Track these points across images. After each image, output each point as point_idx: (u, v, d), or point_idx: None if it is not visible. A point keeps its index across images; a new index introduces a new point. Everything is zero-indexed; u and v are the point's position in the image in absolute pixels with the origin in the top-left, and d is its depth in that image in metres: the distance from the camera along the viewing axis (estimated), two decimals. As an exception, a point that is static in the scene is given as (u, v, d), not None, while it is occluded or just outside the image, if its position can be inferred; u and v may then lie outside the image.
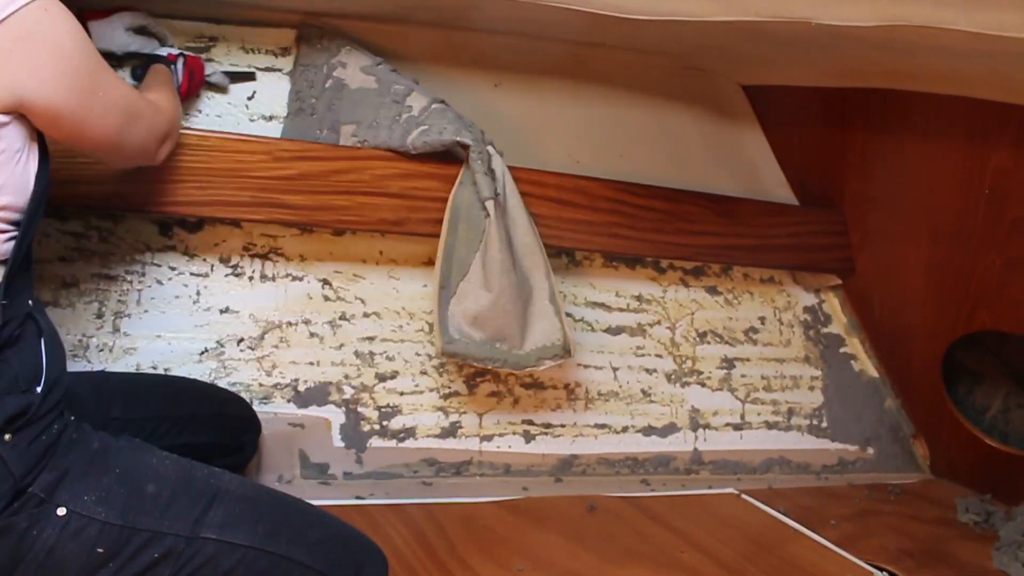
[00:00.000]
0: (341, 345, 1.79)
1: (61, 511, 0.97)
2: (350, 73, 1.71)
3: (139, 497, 1.01)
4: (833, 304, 2.26)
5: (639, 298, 2.05)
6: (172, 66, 1.56)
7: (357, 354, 1.80)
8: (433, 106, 1.67)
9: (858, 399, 2.25)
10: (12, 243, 0.98)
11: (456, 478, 1.87)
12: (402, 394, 1.83)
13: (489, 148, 1.66)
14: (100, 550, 0.98)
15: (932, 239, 1.97)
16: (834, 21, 1.28)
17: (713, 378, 2.12)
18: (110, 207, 1.56)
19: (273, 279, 1.74)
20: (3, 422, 0.94)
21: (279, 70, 1.76)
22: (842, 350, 2.26)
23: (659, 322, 2.07)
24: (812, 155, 2.15)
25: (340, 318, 1.79)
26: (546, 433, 1.95)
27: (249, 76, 1.73)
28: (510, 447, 1.92)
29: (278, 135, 1.73)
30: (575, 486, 1.90)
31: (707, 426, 2.10)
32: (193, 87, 1.63)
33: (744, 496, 1.94)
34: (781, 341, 2.20)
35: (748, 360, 2.16)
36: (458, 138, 1.62)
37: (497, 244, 1.64)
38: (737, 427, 2.14)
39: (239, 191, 1.58)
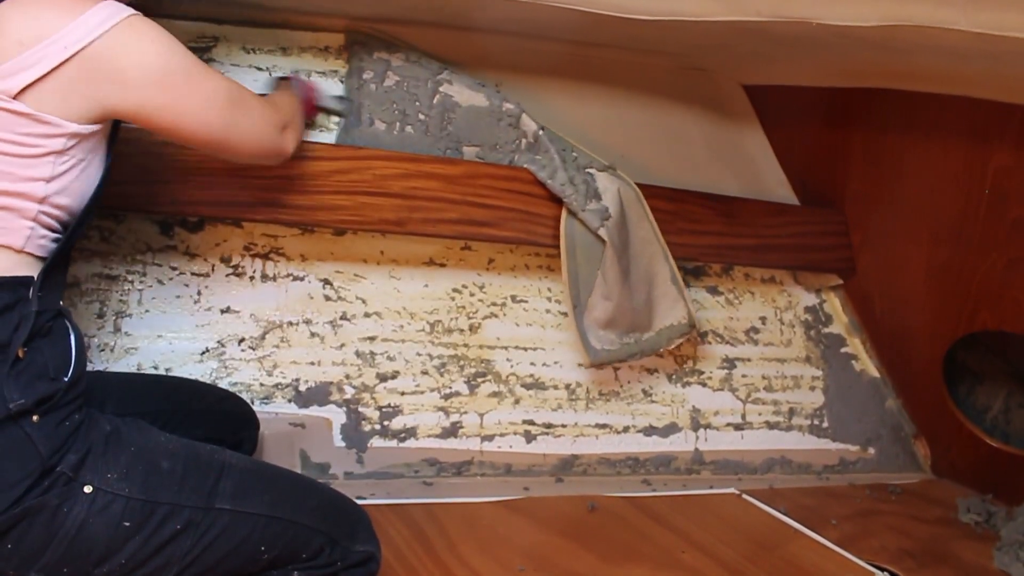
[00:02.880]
0: (342, 345, 1.79)
1: (88, 489, 1.02)
2: (457, 89, 1.79)
3: (156, 473, 1.07)
4: (834, 304, 2.26)
5: (640, 298, 2.05)
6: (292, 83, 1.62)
7: (358, 354, 1.80)
8: (540, 133, 1.81)
9: (859, 399, 2.25)
10: (56, 244, 1.07)
11: (457, 478, 1.87)
12: (403, 394, 1.83)
13: (590, 174, 1.81)
14: (127, 524, 1.03)
15: (933, 239, 1.97)
16: (835, 21, 1.28)
17: (714, 378, 2.12)
18: (111, 207, 1.57)
19: (274, 279, 1.74)
20: (32, 404, 1.00)
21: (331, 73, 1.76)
22: (843, 350, 2.26)
23: (660, 322, 2.07)
24: (813, 155, 2.15)
25: (341, 318, 1.79)
26: (547, 433, 1.95)
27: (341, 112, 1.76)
28: (511, 447, 1.92)
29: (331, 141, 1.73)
30: (576, 486, 1.90)
31: (708, 426, 2.10)
32: (309, 109, 1.66)
33: (745, 496, 1.94)
34: (782, 341, 2.20)
35: (749, 360, 2.16)
36: (556, 191, 1.78)
37: (612, 260, 1.82)
38: (738, 427, 2.14)
39: (240, 191, 1.58)
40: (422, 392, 1.85)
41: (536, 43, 1.81)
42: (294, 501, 1.16)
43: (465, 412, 1.89)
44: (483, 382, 1.90)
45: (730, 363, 2.14)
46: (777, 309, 2.20)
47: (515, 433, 1.92)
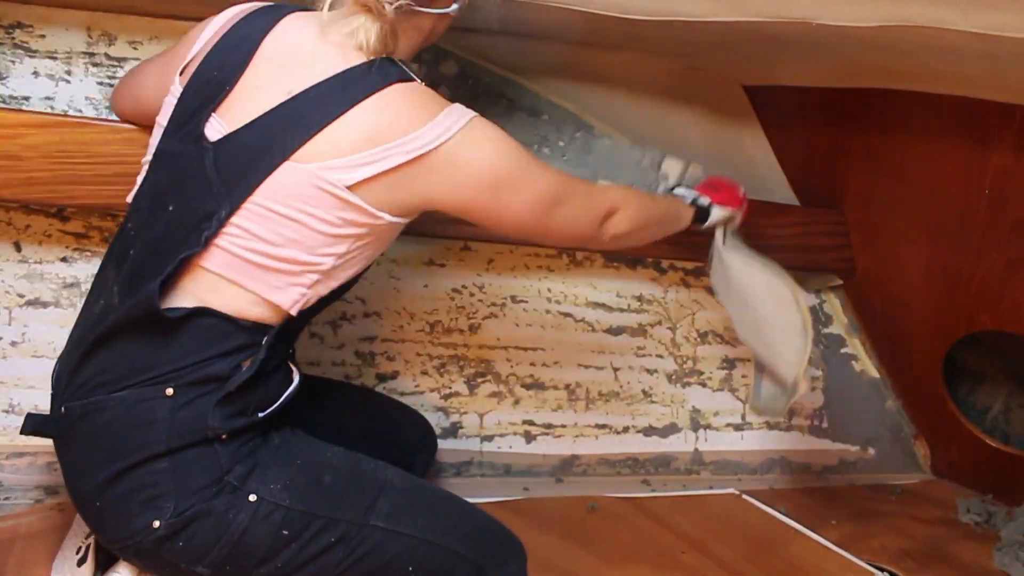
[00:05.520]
0: (342, 345, 1.79)
1: (252, 497, 1.08)
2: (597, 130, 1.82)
3: (317, 486, 1.12)
4: (834, 304, 2.26)
5: (640, 298, 2.05)
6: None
7: (358, 354, 1.80)
8: (688, 172, 1.76)
9: (859, 399, 2.25)
10: (305, 307, 1.13)
11: (457, 478, 1.87)
12: (403, 394, 1.83)
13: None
14: (285, 532, 1.09)
15: (933, 240, 1.97)
16: (835, 21, 1.28)
17: (714, 378, 2.12)
18: (111, 208, 1.56)
19: (274, 279, 1.74)
20: (227, 432, 1.08)
21: None
22: (843, 351, 2.26)
23: (660, 322, 2.07)
24: (813, 155, 2.14)
25: (340, 318, 1.79)
26: (547, 433, 1.95)
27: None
28: (511, 447, 1.92)
29: None
30: (576, 486, 1.90)
31: (708, 426, 2.10)
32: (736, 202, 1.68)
33: (745, 496, 1.94)
34: (782, 341, 2.20)
35: (749, 360, 2.16)
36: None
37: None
38: (738, 427, 2.14)
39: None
40: (422, 392, 1.85)
41: (536, 43, 1.81)
42: (447, 526, 1.19)
43: (465, 412, 1.89)
44: (483, 382, 1.90)
45: (730, 363, 2.14)
46: (777, 309, 2.20)
47: (515, 433, 1.92)
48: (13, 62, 1.54)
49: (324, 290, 1.14)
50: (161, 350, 1.07)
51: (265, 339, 1.10)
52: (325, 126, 1.07)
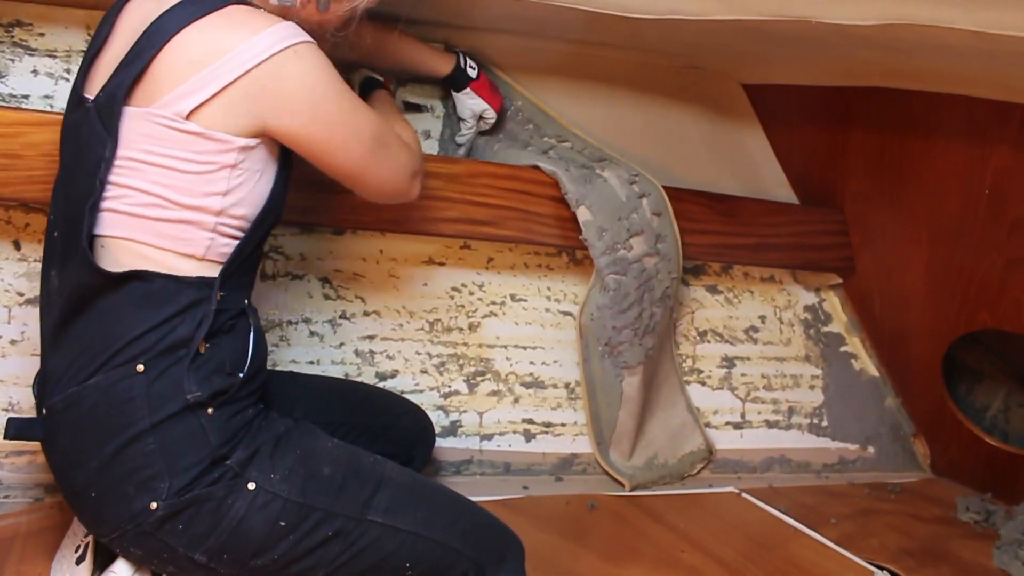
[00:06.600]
0: (341, 344, 1.79)
1: (251, 485, 1.08)
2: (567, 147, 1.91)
3: (316, 478, 1.12)
4: (833, 303, 2.26)
5: (639, 297, 2.05)
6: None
7: (357, 353, 1.80)
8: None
9: (858, 398, 2.25)
10: (234, 247, 1.13)
11: (456, 477, 1.87)
12: (402, 393, 1.82)
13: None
14: (282, 523, 1.09)
15: (933, 238, 1.97)
16: (835, 20, 1.28)
17: (713, 377, 2.12)
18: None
19: (273, 278, 1.74)
20: (208, 397, 1.07)
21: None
22: (842, 349, 2.26)
23: (659, 321, 2.07)
24: (813, 154, 2.15)
25: (340, 317, 1.79)
26: (546, 432, 1.95)
27: (420, 109, 1.83)
28: (510, 446, 1.92)
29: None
30: (575, 485, 1.90)
31: (707, 425, 2.10)
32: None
33: (745, 495, 1.94)
34: (781, 340, 2.20)
35: (748, 359, 2.16)
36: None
37: (635, 402, 1.90)
38: (737, 426, 2.14)
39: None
40: (421, 391, 1.85)
41: (536, 42, 1.81)
42: (446, 522, 1.18)
43: (464, 411, 1.89)
44: (482, 381, 1.90)
45: (729, 362, 2.14)
46: (776, 308, 2.20)
47: (514, 432, 1.92)
48: (12, 60, 1.54)
49: (230, 230, 1.12)
50: (116, 324, 1.07)
51: (213, 291, 1.10)
52: (151, 61, 1.07)
